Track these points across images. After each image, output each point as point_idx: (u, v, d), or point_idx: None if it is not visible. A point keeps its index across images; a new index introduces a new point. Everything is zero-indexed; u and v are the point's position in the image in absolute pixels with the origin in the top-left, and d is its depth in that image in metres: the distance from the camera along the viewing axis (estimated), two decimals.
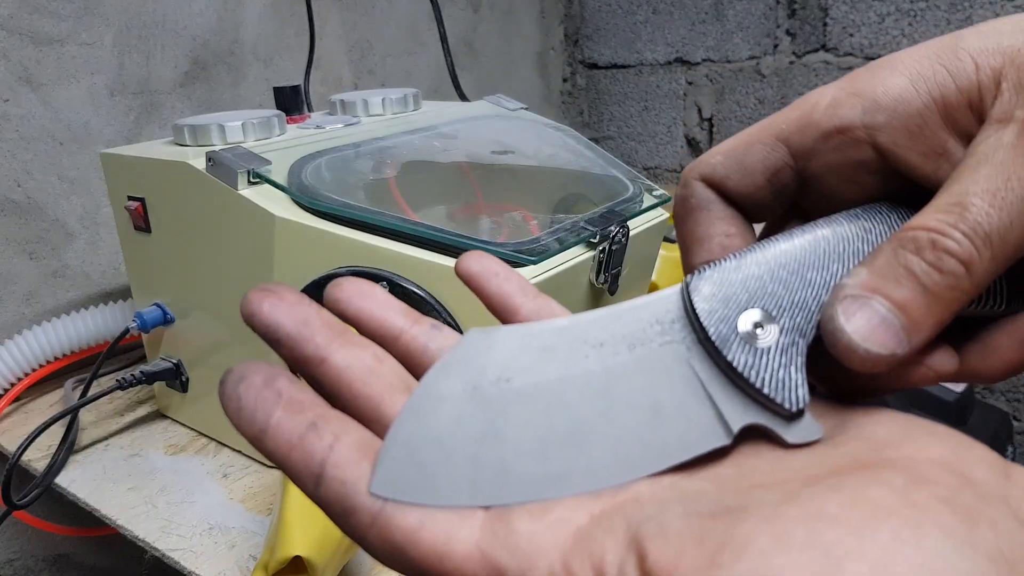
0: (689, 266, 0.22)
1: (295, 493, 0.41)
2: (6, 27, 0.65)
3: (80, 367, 0.69)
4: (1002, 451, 0.82)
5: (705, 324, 0.18)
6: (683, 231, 0.23)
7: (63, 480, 0.54)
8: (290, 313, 0.19)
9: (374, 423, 0.19)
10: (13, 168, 0.67)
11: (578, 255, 0.51)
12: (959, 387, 0.76)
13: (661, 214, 0.61)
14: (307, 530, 0.39)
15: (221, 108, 0.83)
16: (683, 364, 0.18)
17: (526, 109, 0.74)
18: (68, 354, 0.66)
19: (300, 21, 0.89)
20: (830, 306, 0.17)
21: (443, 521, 0.16)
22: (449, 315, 0.44)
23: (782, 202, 0.22)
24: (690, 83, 1.26)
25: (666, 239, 0.86)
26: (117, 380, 0.56)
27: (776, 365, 0.18)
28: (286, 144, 0.53)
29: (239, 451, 0.56)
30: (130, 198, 0.54)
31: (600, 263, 0.53)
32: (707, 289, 0.19)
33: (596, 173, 0.64)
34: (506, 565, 0.15)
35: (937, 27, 1.02)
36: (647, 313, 0.19)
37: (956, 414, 0.76)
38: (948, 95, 0.18)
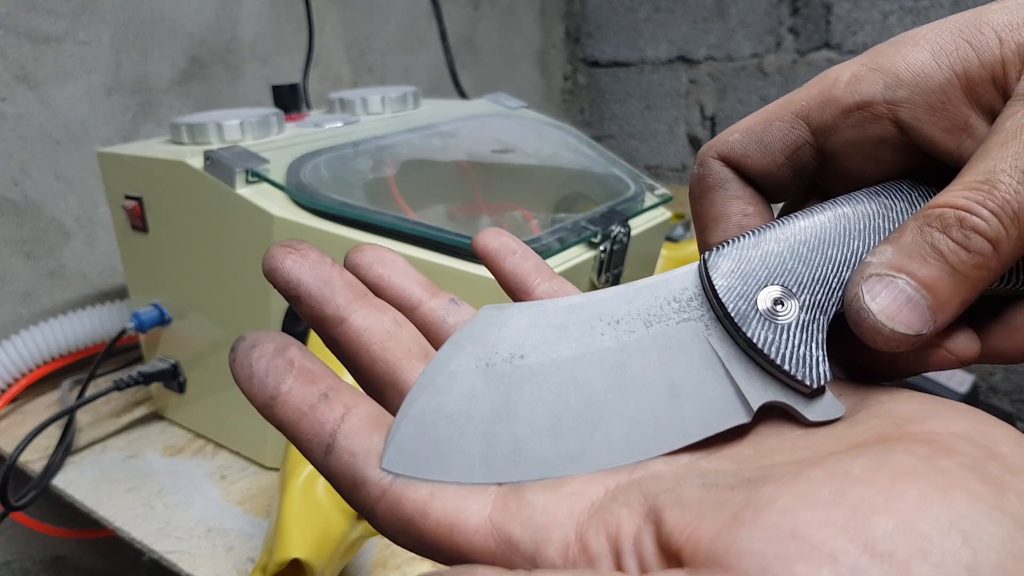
0: (705, 246, 0.22)
1: (293, 495, 0.40)
2: (3, 25, 0.64)
3: (77, 368, 0.68)
4: None
5: (724, 300, 0.18)
6: (699, 210, 0.22)
7: (60, 481, 0.54)
8: (312, 271, 0.19)
9: (390, 388, 0.18)
10: (10, 167, 0.66)
11: (579, 255, 0.51)
12: (963, 388, 0.75)
13: (663, 213, 0.61)
14: (306, 533, 0.39)
15: (219, 106, 0.83)
16: (701, 341, 0.18)
17: (527, 107, 0.73)
18: (65, 355, 0.66)
19: (298, 18, 0.89)
20: (855, 285, 0.17)
21: (454, 495, 0.16)
22: None
23: (802, 181, 0.21)
24: (692, 81, 1.25)
25: (668, 238, 0.86)
26: (114, 381, 0.56)
27: (797, 342, 0.17)
28: (284, 143, 0.53)
29: (237, 453, 0.56)
30: (127, 197, 0.54)
31: (601, 263, 0.53)
32: (725, 265, 0.18)
33: (597, 172, 0.64)
34: (518, 537, 0.15)
35: None
36: (663, 291, 0.19)
37: None
38: (971, 70, 0.18)
